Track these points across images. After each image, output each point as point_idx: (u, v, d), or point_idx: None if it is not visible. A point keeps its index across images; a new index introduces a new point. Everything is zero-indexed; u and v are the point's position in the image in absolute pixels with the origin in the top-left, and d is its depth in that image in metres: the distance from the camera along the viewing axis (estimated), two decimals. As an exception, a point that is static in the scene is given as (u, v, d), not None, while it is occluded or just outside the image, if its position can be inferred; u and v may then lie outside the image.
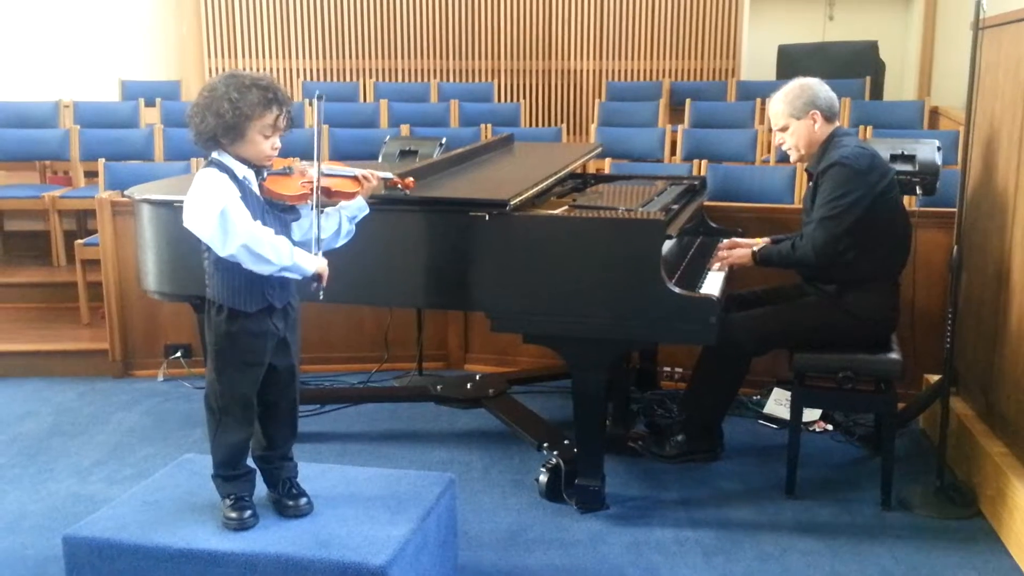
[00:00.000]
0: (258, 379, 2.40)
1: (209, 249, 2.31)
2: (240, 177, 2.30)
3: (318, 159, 2.37)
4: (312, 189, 2.38)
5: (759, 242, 3.50)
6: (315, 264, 2.36)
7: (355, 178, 2.52)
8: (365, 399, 4.18)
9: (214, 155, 2.32)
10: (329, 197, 2.46)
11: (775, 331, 3.32)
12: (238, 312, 2.32)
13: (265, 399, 2.45)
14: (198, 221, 2.25)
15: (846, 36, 8.11)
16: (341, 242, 2.55)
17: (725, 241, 3.57)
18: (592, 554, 2.91)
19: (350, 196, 2.52)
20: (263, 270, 2.28)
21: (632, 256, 2.93)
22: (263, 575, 2.26)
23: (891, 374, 3.19)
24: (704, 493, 3.32)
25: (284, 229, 2.39)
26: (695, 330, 2.94)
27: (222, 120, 2.24)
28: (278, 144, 2.35)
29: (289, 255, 2.30)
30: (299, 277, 2.37)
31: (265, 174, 2.36)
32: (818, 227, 3.15)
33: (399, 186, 2.77)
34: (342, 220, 2.52)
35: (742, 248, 3.43)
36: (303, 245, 2.41)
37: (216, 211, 2.21)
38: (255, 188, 2.34)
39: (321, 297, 2.43)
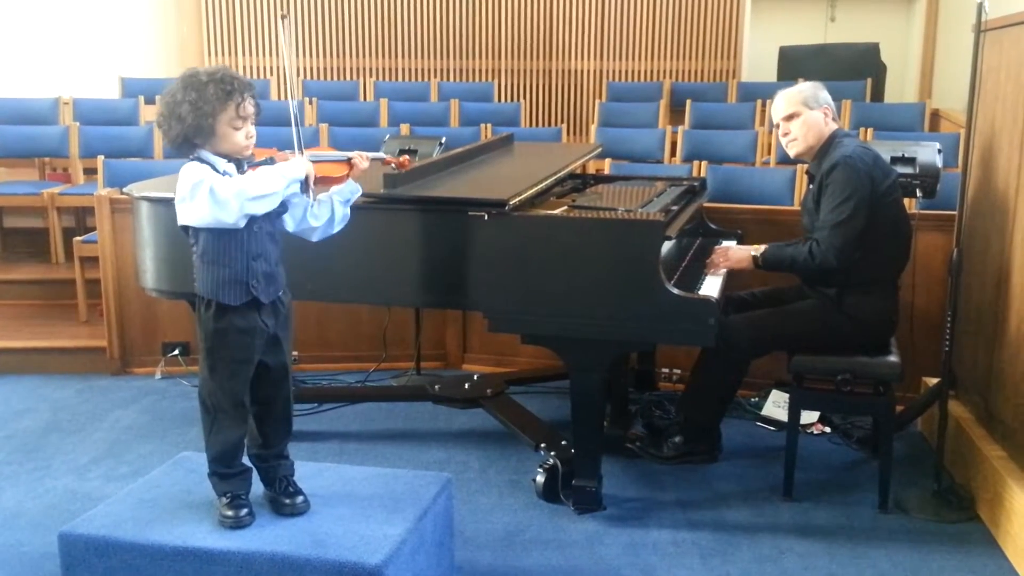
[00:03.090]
0: (248, 376, 2.38)
1: (197, 241, 2.31)
2: (221, 172, 2.29)
3: (294, 112, 2.34)
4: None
5: (758, 248, 3.49)
6: (302, 166, 2.34)
7: (343, 161, 2.49)
8: (363, 398, 4.18)
9: (193, 154, 2.32)
10: (316, 184, 2.43)
11: (774, 333, 3.31)
12: (225, 307, 2.31)
13: (259, 397, 2.44)
14: (193, 211, 2.24)
15: (847, 38, 8.11)
16: (337, 227, 2.52)
17: (718, 248, 3.55)
18: (589, 555, 2.91)
19: (339, 180, 2.48)
20: (274, 203, 2.27)
21: (631, 257, 2.92)
22: (259, 574, 2.25)
23: (889, 377, 3.18)
24: (701, 494, 3.31)
25: (271, 221, 2.36)
26: (694, 331, 2.93)
27: (186, 123, 2.24)
28: (252, 132, 2.34)
29: (279, 173, 2.29)
30: (299, 189, 2.34)
31: (246, 167, 2.35)
32: (833, 233, 3.12)
33: (392, 165, 2.73)
34: (335, 205, 2.48)
35: (737, 250, 3.41)
36: (302, 233, 2.42)
37: (205, 191, 2.20)
38: None
39: (311, 197, 2.40)
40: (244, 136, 2.31)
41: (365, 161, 2.53)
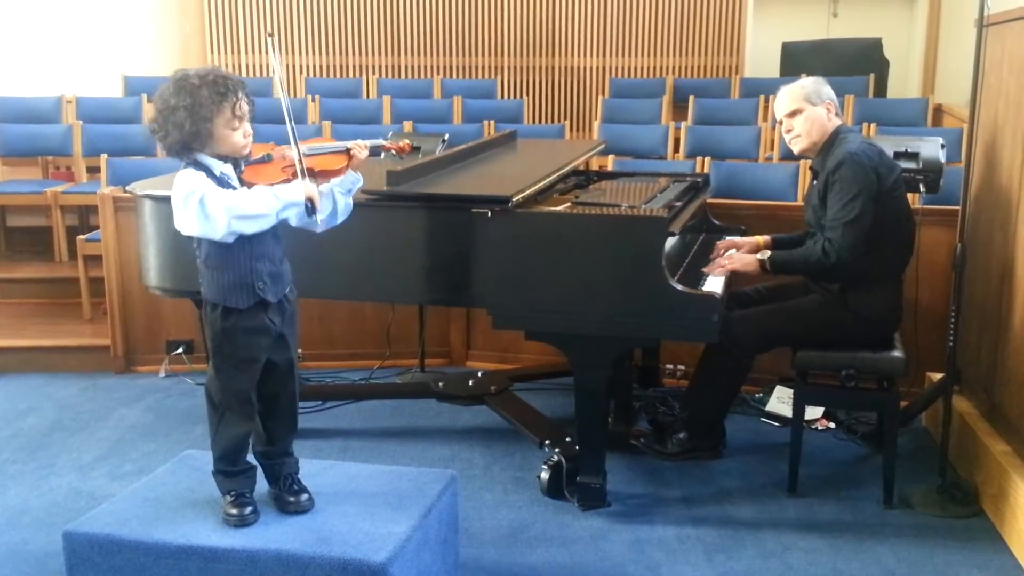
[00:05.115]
0: (256, 375, 2.39)
1: (199, 247, 2.31)
2: (218, 174, 2.28)
3: (287, 109, 2.30)
4: (294, 174, 2.32)
5: (759, 241, 3.48)
6: (302, 190, 2.29)
7: (342, 152, 2.46)
8: (367, 395, 4.18)
9: (190, 158, 2.29)
10: (316, 178, 2.39)
11: (778, 329, 3.31)
12: (232, 309, 2.31)
13: (265, 394, 2.44)
14: (184, 220, 2.24)
15: (850, 33, 8.09)
16: (341, 219, 2.50)
17: (723, 241, 3.53)
18: (594, 551, 2.91)
19: (339, 172, 2.45)
20: (264, 225, 2.25)
21: (635, 253, 2.92)
22: (263, 571, 2.25)
23: (894, 372, 3.18)
24: (706, 491, 3.31)
25: None
26: (697, 327, 2.93)
27: (184, 130, 2.21)
28: (249, 130, 2.32)
29: (275, 197, 2.25)
30: (298, 211, 2.29)
31: (243, 166, 2.33)
32: (845, 231, 3.10)
33: (392, 151, 2.72)
34: (336, 197, 2.47)
35: (744, 254, 3.39)
36: (306, 226, 2.37)
37: (195, 203, 2.19)
38: (235, 183, 2.31)
39: (319, 226, 2.36)
40: (242, 135, 2.30)
41: (364, 150, 2.50)
